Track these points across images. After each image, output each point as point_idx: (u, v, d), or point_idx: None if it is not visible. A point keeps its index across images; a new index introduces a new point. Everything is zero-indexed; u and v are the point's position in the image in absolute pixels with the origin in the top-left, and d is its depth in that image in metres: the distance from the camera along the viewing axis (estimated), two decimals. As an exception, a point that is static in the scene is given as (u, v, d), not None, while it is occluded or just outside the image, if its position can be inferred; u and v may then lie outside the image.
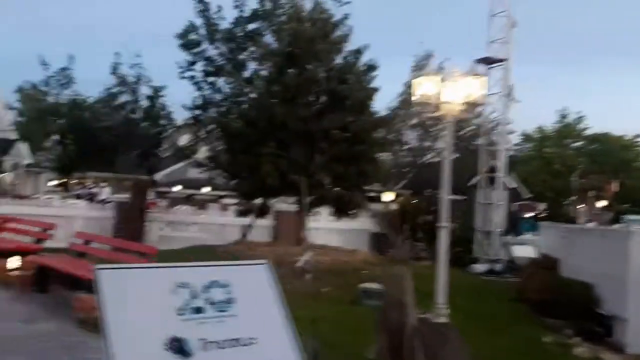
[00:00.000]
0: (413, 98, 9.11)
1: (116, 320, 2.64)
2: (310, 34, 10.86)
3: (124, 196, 13.75)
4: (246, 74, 29.90)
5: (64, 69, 43.75)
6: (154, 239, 13.24)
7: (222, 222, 14.47)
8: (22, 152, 39.72)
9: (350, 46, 12.05)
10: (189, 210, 16.79)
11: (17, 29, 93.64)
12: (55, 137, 44.47)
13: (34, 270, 8.46)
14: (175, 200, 26.11)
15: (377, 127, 13.01)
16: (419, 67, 32.94)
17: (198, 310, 2.85)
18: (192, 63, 29.91)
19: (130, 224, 12.53)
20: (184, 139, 33.36)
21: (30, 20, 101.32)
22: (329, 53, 10.96)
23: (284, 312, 3.10)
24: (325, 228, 14.87)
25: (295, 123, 9.77)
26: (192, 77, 29.99)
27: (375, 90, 12.98)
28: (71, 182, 47.04)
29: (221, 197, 31.53)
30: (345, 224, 15.53)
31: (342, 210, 13.37)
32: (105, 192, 25.49)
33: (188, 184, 31.71)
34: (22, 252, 9.28)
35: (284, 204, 13.12)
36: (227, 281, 3.01)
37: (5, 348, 5.53)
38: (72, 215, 13.16)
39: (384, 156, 17.34)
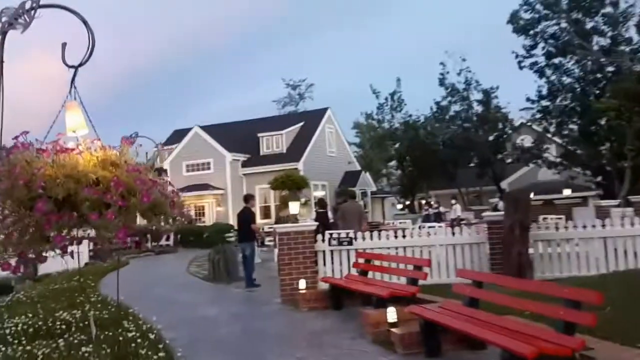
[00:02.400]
0: None
1: None
2: None
3: (497, 214, 11.23)
4: (602, 42, 24.71)
5: (393, 94, 45.13)
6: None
7: (603, 234, 10.71)
8: (367, 180, 41.97)
9: None
10: (557, 221, 13.38)
11: (345, 68, 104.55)
12: (394, 161, 46.00)
13: (420, 327, 6.50)
14: (532, 210, 22.65)
15: None
16: None
17: None
18: (532, 47, 26.13)
19: (509, 249, 9.91)
20: (527, 140, 29.71)
21: (353, 56, 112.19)
22: None
23: None
24: None
25: None
26: (534, 64, 26.20)
27: None
28: (415, 203, 47.80)
29: (584, 198, 26.79)
30: None
31: None
32: (456, 210, 23.69)
33: (540, 188, 27.74)
34: (397, 299, 7.56)
35: None
36: None
37: None
38: (433, 243, 11.20)
39: None
